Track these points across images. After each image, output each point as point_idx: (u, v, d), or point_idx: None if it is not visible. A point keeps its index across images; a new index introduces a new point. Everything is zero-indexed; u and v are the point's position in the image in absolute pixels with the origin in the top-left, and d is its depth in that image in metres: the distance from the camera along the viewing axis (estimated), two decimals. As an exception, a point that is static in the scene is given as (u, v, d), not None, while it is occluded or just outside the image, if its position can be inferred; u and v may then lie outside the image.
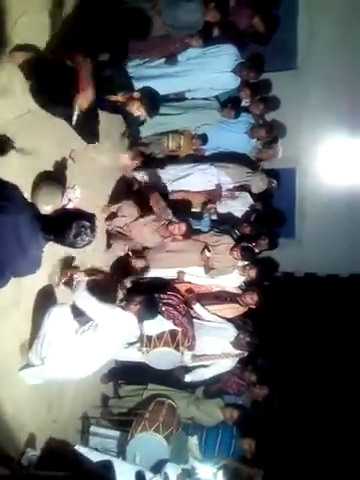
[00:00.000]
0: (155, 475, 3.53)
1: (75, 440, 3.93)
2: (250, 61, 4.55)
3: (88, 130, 3.46)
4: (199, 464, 4.16)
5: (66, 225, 2.33)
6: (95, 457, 3.37)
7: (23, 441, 3.31)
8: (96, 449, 3.98)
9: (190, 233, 4.20)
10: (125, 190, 4.61)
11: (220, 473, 4.04)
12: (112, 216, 4.24)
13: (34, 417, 3.44)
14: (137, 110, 3.48)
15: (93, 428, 4.13)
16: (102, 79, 3.16)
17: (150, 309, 3.46)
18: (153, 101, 3.53)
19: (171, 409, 4.08)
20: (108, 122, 3.95)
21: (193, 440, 4.17)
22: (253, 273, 4.22)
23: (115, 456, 3.87)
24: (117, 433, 4.11)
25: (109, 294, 3.84)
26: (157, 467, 3.69)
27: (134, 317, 3.38)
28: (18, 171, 3.10)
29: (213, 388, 4.35)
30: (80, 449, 3.47)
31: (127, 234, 4.18)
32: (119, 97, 3.42)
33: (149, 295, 3.54)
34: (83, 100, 3.02)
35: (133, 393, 4.39)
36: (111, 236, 4.27)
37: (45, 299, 3.45)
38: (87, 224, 2.36)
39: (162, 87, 4.33)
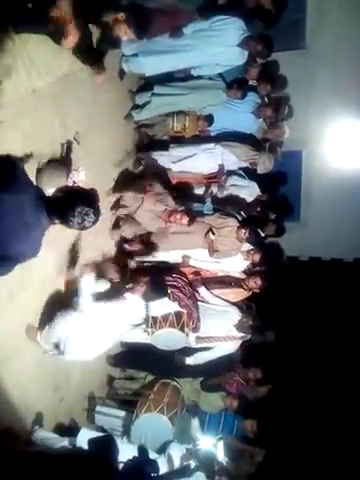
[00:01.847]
0: (159, 455, 3.59)
1: (81, 419, 4.00)
2: (258, 35, 4.42)
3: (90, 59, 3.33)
4: (200, 435, 4.21)
5: (69, 209, 2.30)
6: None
7: (31, 419, 3.38)
8: (102, 427, 4.07)
9: (192, 222, 4.12)
10: (129, 173, 4.58)
11: (220, 443, 4.11)
12: (116, 205, 4.22)
13: (41, 396, 3.50)
14: (125, 34, 3.26)
15: (99, 408, 4.20)
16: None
17: (156, 289, 3.47)
18: (140, 21, 3.27)
19: (176, 390, 4.14)
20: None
21: (196, 422, 4.24)
22: (257, 257, 4.22)
23: (120, 436, 3.94)
24: (122, 413, 4.18)
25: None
26: (161, 448, 3.76)
27: (141, 299, 3.40)
28: (22, 153, 3.08)
29: (212, 382, 4.37)
30: (85, 430, 3.51)
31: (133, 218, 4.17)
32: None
33: (155, 275, 3.54)
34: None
35: (138, 374, 4.46)
36: (119, 219, 4.27)
37: (52, 282, 3.47)
38: (89, 209, 2.32)
39: (168, 63, 4.27)
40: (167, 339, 3.89)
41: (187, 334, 3.90)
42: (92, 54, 3.47)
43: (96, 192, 2.44)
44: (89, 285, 3.23)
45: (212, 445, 4.14)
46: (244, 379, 4.37)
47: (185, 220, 4.03)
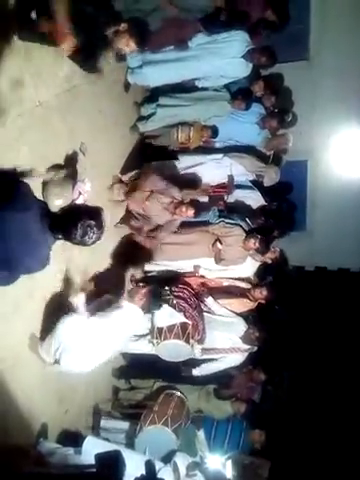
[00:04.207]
0: (165, 465, 3.55)
1: (86, 431, 3.97)
2: (262, 47, 4.45)
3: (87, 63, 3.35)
4: (208, 454, 4.18)
5: (72, 225, 2.32)
6: (104, 447, 3.40)
7: (36, 431, 3.36)
8: (106, 439, 4.03)
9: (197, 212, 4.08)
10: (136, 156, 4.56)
11: (229, 462, 4.06)
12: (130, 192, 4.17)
13: (46, 408, 3.48)
14: (126, 45, 3.29)
15: (103, 419, 4.17)
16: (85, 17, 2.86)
17: (155, 300, 3.50)
18: (141, 32, 3.29)
19: (180, 402, 4.10)
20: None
21: (202, 434, 4.19)
22: (277, 252, 4.37)
23: (124, 447, 3.90)
24: (126, 425, 4.14)
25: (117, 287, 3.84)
26: (166, 457, 3.72)
27: (139, 309, 3.39)
28: (28, 164, 3.10)
29: (225, 393, 4.36)
30: (90, 438, 3.49)
31: (143, 212, 4.13)
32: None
33: (153, 286, 3.55)
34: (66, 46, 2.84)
35: (144, 385, 4.42)
36: (130, 216, 4.23)
37: (57, 293, 3.48)
38: (92, 223, 2.33)
39: (172, 74, 4.31)
40: (172, 350, 3.87)
41: (192, 346, 3.87)
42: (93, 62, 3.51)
43: (101, 209, 2.45)
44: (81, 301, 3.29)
45: (221, 464, 4.10)
46: (252, 380, 4.37)
47: (191, 212, 3.99)
